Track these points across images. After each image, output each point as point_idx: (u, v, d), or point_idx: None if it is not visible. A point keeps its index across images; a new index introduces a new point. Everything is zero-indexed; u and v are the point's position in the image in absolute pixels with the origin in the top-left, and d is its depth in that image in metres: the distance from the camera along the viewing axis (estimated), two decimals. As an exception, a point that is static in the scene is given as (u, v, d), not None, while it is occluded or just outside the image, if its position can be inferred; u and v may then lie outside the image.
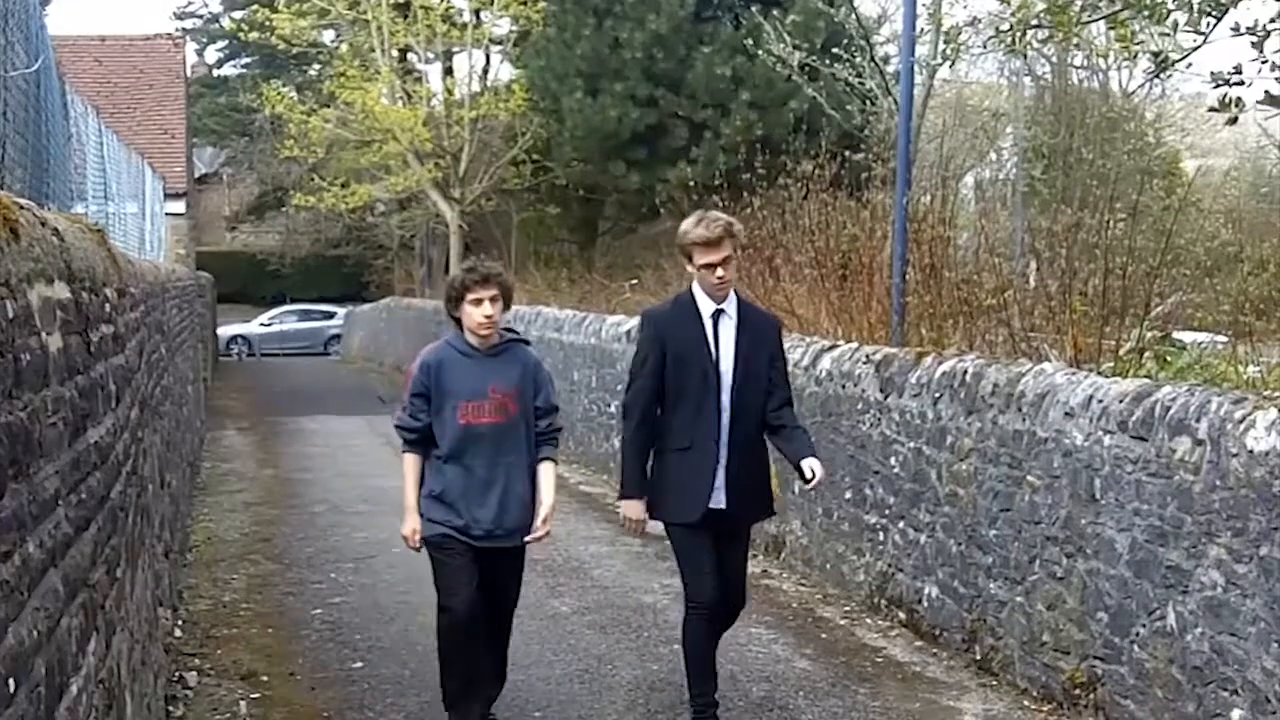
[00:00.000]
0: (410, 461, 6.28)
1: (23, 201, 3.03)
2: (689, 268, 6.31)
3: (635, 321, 14.56)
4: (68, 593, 2.98)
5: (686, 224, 6.29)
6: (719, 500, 6.24)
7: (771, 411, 6.35)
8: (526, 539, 6.28)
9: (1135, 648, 6.09)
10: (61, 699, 2.81)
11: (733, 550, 6.43)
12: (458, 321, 6.26)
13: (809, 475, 6.17)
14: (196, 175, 44.40)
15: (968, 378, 7.71)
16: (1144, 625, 6.04)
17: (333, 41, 37.56)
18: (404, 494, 6.29)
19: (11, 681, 2.30)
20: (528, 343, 6.50)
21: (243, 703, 6.92)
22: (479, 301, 6.11)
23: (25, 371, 2.61)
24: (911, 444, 8.28)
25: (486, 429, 6.13)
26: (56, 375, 3.00)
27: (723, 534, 6.30)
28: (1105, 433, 6.33)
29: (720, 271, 6.16)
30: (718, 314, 6.28)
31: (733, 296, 6.33)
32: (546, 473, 6.29)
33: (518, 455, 6.20)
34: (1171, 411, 5.85)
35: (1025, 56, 20.94)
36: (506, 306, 6.33)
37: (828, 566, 9.39)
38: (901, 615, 8.39)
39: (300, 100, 34.10)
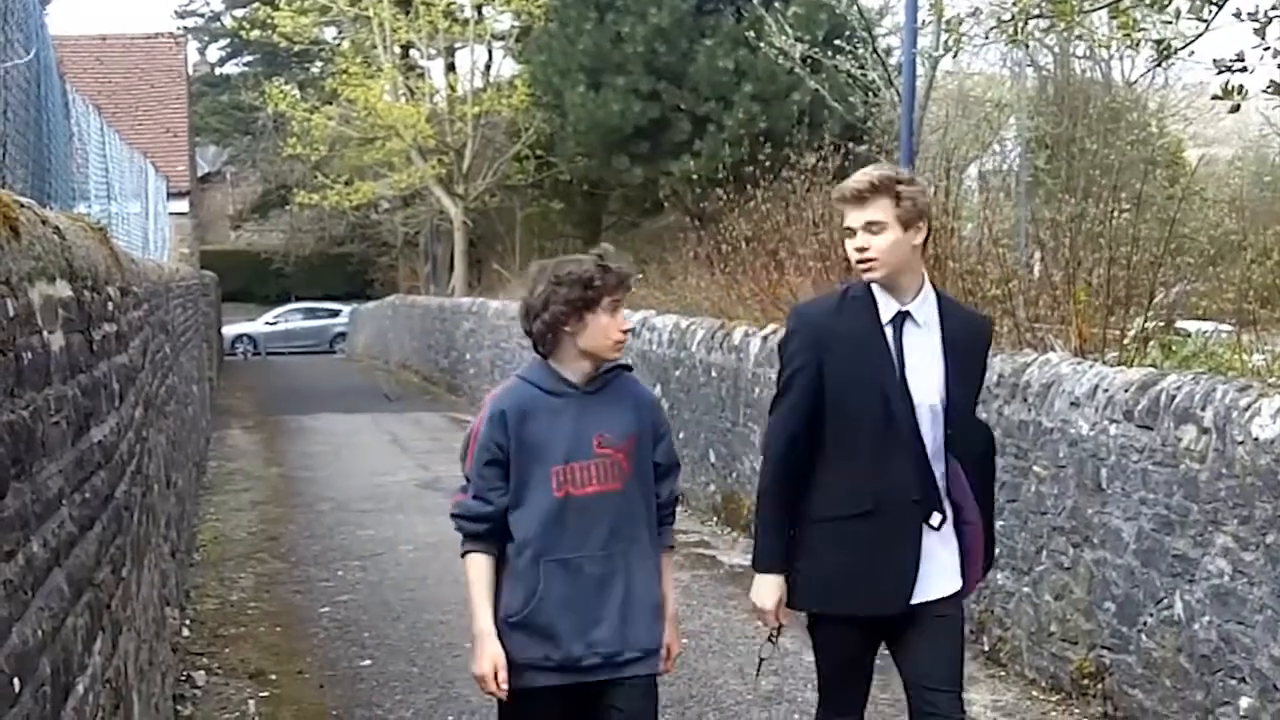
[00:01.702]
0: (479, 566, 4.15)
1: (23, 200, 3.03)
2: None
3: (638, 318, 14.61)
4: (73, 592, 2.97)
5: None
6: (928, 588, 4.30)
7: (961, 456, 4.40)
8: (664, 667, 4.31)
9: (1143, 637, 6.08)
10: (68, 698, 2.81)
11: (936, 640, 4.36)
12: (545, 342, 4.19)
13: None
14: (199, 174, 44.45)
15: (973, 368, 7.67)
16: (1151, 614, 6.04)
17: (334, 39, 37.61)
18: (472, 611, 4.17)
19: (16, 681, 2.30)
20: (630, 367, 4.45)
21: (251, 701, 6.93)
22: (615, 310, 4.18)
23: (27, 370, 2.60)
24: (917, 435, 8.23)
25: (595, 501, 4.11)
26: (59, 374, 2.99)
27: (913, 622, 4.32)
28: (1111, 422, 6.32)
29: (859, 240, 4.29)
30: (901, 317, 4.33)
31: (929, 292, 4.41)
32: (667, 569, 4.36)
33: (639, 537, 4.20)
34: (1177, 400, 5.84)
35: (1027, 47, 20.94)
36: None
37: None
38: (909, 607, 8.36)
39: (303, 98, 34.15)
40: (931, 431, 4.29)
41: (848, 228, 4.35)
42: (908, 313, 4.33)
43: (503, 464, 4.12)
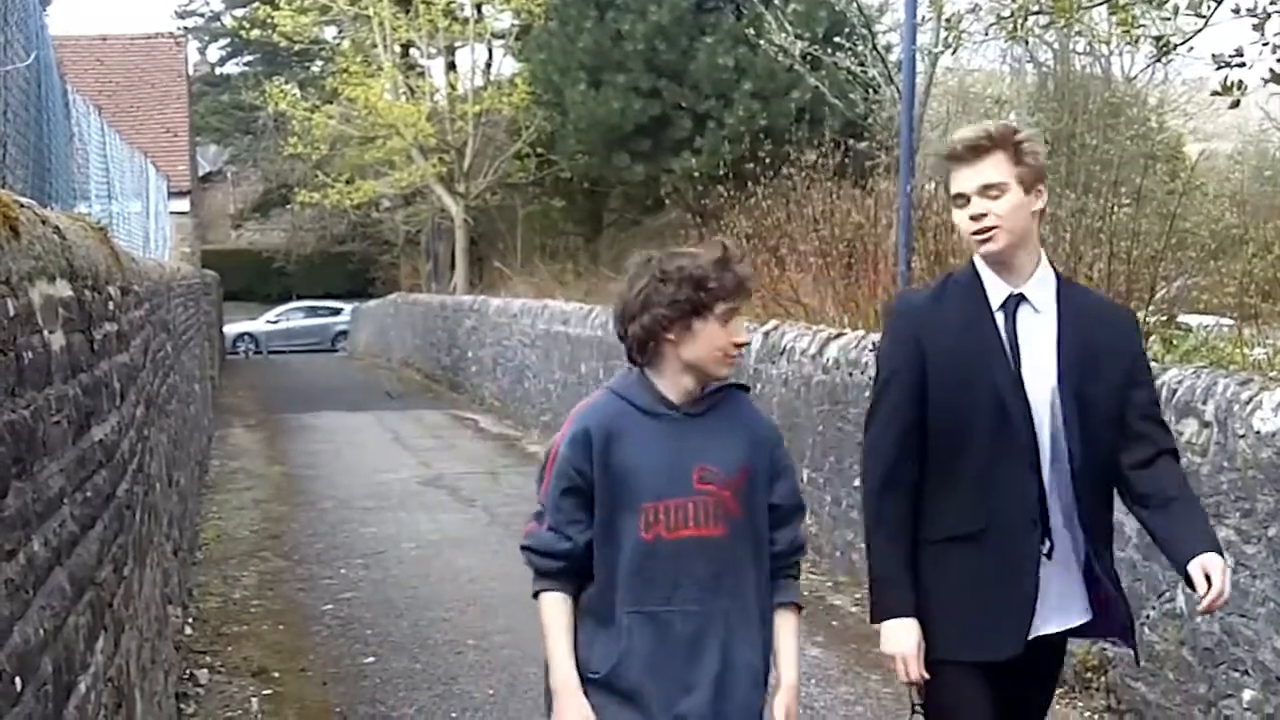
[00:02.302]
0: (555, 608, 3.51)
1: (23, 200, 3.03)
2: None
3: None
4: (74, 591, 2.98)
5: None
6: (1046, 622, 3.68)
7: (1137, 469, 3.67)
8: None
9: (1145, 630, 6.08)
10: (70, 697, 2.81)
11: (1028, 704, 3.87)
12: (643, 351, 3.53)
13: (1203, 586, 3.45)
14: (200, 174, 44.42)
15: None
16: (1154, 608, 6.04)
17: (334, 38, 37.60)
18: (548, 659, 3.54)
19: (18, 680, 2.30)
20: (747, 388, 3.78)
21: (254, 699, 6.93)
22: (730, 319, 3.48)
23: (28, 370, 2.61)
24: (918, 431, 8.22)
25: (690, 547, 3.44)
26: (59, 373, 3.00)
27: (1026, 674, 3.75)
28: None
29: (974, 206, 3.60)
30: (1015, 301, 3.65)
31: (1048, 271, 3.71)
32: (787, 630, 3.61)
33: (744, 592, 3.51)
34: (1178, 394, 5.84)
35: (1027, 43, 20.93)
36: None
37: (838, 554, 9.38)
38: (911, 603, 8.35)
39: (303, 97, 34.13)
40: (1052, 439, 3.61)
41: (958, 194, 3.64)
42: (1022, 295, 3.65)
43: (584, 493, 3.46)
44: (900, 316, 3.81)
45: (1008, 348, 3.61)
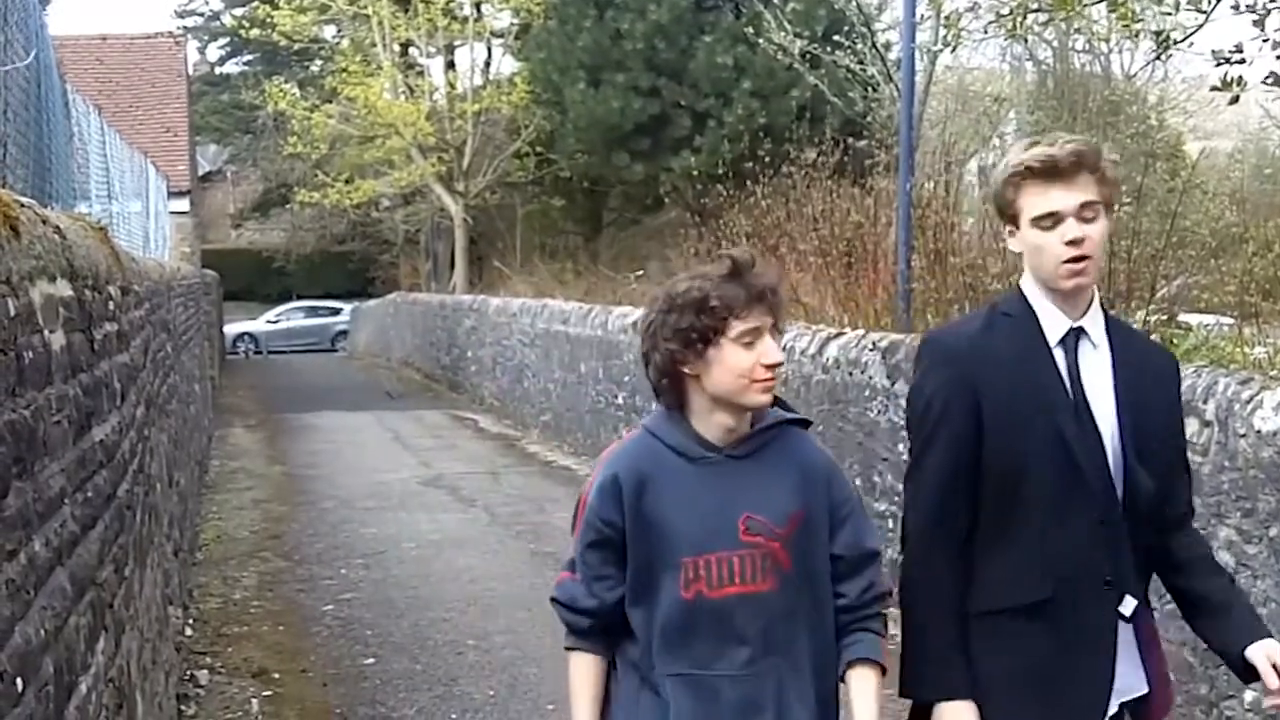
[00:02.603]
0: (583, 670, 3.22)
1: (24, 199, 3.03)
2: (1012, 240, 3.26)
3: (640, 314, 14.49)
4: (75, 591, 2.98)
5: (1012, 152, 3.27)
6: (1130, 685, 3.23)
7: (1173, 528, 3.33)
8: None
9: (1146, 630, 6.07)
10: (71, 698, 2.81)
11: None
12: (667, 394, 3.16)
13: (1273, 678, 3.09)
14: (200, 173, 44.42)
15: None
16: (1155, 609, 6.02)
17: (334, 37, 37.59)
18: None
19: (19, 680, 2.30)
20: (808, 422, 3.33)
21: (255, 700, 6.93)
22: (754, 339, 3.06)
23: (28, 369, 2.60)
24: (919, 430, 8.21)
25: (737, 605, 3.06)
26: (60, 373, 2.99)
27: None
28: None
29: (1071, 229, 3.07)
30: (1075, 336, 3.19)
31: (1098, 303, 3.24)
32: (864, 692, 3.15)
33: (796, 648, 3.11)
34: (1179, 393, 5.83)
35: (1026, 41, 20.92)
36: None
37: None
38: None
39: (303, 97, 34.11)
40: (1123, 486, 3.16)
41: (1045, 215, 3.09)
42: (1082, 329, 3.19)
43: (615, 546, 3.11)
44: (946, 354, 3.24)
45: (1069, 387, 3.15)
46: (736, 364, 3.00)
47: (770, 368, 3.03)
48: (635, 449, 3.16)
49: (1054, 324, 3.17)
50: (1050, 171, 3.07)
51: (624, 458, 3.15)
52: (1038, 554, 3.12)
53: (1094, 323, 3.20)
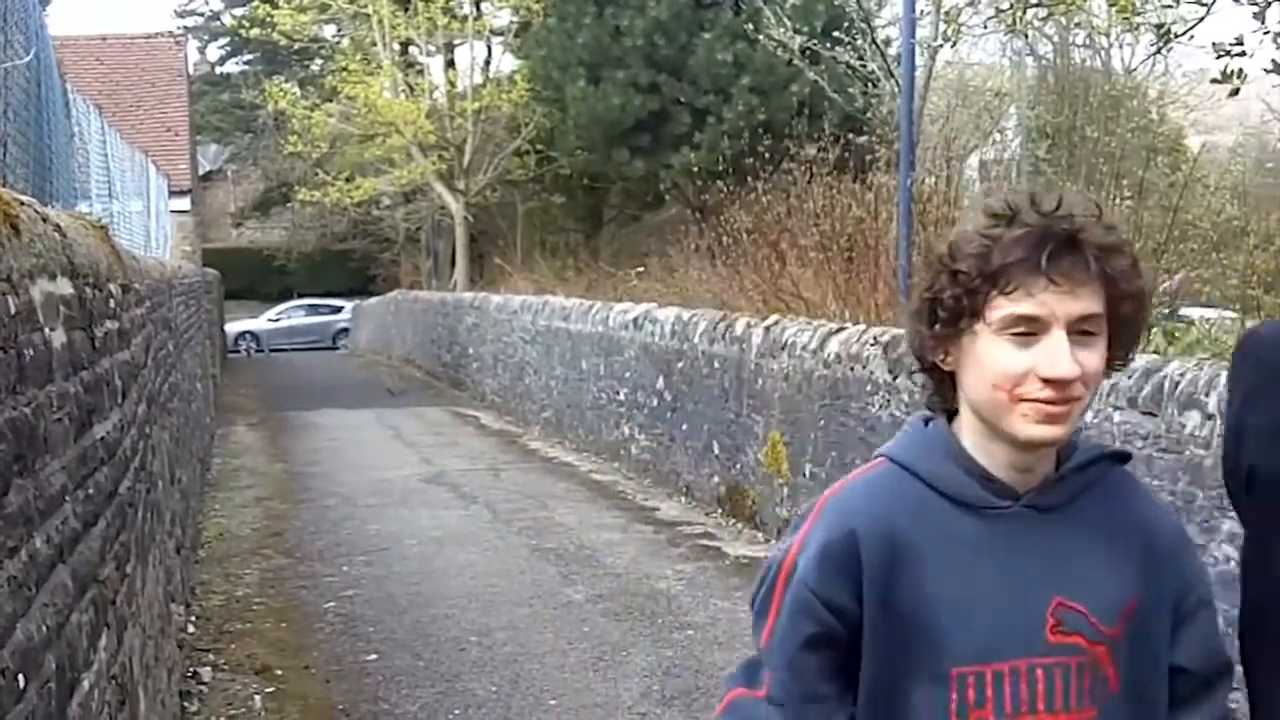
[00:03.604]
0: None
1: (24, 198, 3.03)
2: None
3: (640, 310, 14.72)
4: (77, 588, 2.98)
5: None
6: None
7: None
8: None
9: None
10: (73, 695, 2.81)
11: None
12: (933, 378, 2.03)
13: None
14: (201, 172, 44.42)
15: (976, 357, 7.66)
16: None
17: (334, 36, 37.65)
18: None
19: (21, 677, 2.30)
20: (1127, 455, 2.14)
21: (257, 697, 6.93)
22: (1034, 331, 1.86)
23: (29, 367, 2.60)
24: (921, 425, 8.22)
25: None
26: (61, 371, 2.99)
27: None
28: (1115, 409, 6.31)
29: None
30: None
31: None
32: None
33: None
34: (1181, 387, 5.83)
35: (1026, 36, 20.91)
36: (1124, 356, 1.97)
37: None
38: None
39: (303, 96, 34.19)
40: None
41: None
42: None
43: (841, 646, 1.97)
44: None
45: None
46: (992, 362, 1.89)
47: (1049, 382, 1.85)
48: (878, 490, 2.01)
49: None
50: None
51: (862, 504, 1.99)
52: None
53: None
